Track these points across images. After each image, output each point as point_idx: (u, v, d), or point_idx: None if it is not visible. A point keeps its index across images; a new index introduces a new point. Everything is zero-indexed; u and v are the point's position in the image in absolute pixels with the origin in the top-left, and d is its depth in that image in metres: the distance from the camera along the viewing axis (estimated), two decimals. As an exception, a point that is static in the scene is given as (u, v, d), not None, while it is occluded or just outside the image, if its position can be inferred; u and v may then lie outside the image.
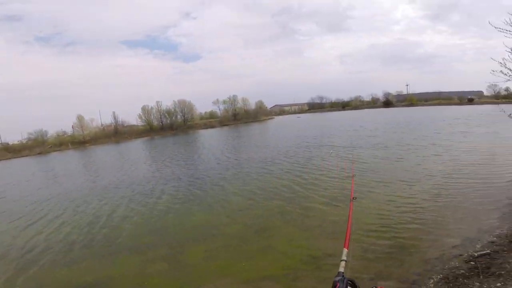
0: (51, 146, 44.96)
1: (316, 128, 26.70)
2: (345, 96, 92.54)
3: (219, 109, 67.50)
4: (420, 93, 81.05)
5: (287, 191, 7.62)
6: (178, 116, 56.78)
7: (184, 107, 57.26)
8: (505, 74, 5.12)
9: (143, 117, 55.24)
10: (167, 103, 58.45)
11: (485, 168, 7.86)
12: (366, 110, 66.13)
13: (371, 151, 11.99)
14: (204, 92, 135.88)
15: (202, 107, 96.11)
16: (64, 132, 50.83)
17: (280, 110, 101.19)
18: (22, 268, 4.93)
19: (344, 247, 1.15)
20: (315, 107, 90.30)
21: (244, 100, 65.23)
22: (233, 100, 63.14)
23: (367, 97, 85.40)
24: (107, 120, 57.72)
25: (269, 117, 72.07)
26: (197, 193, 8.54)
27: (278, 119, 64.33)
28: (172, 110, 56.50)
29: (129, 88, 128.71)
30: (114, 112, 54.18)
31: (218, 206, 7.21)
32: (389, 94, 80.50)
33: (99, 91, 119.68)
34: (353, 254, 4.19)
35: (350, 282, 0.92)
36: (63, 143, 46.26)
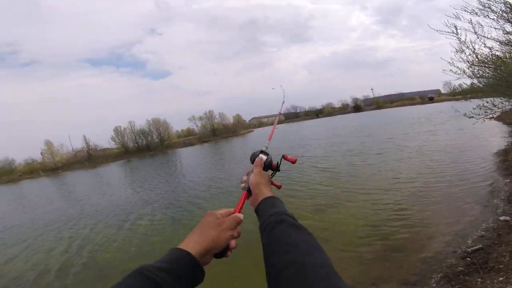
0: (20, 174, 42.32)
1: (292, 138, 27.13)
2: (317, 104, 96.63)
3: (197, 126, 66.91)
4: (385, 95, 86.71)
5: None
6: (154, 136, 55.17)
7: (159, 126, 55.91)
8: (455, 73, 5.49)
9: (116, 140, 53.10)
10: (141, 123, 56.93)
11: (458, 165, 8.23)
12: (338, 116, 69.03)
13: (348, 158, 12.29)
14: (176, 110, 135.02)
15: (178, 124, 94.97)
16: (33, 160, 47.56)
17: (259, 122, 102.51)
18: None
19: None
20: (291, 117, 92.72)
21: (221, 115, 65.34)
22: (209, 115, 62.96)
23: (337, 104, 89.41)
24: (78, 144, 54.78)
25: (249, 130, 72.64)
26: (184, 214, 8.08)
27: (257, 131, 64.93)
28: (147, 130, 54.94)
29: (97, 109, 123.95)
30: (84, 136, 51.65)
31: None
32: (357, 99, 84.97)
33: (64, 114, 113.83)
34: (350, 261, 4.12)
35: (264, 152, 0.98)
36: (34, 170, 43.49)
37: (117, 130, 52.99)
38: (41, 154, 47.12)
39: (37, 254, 6.67)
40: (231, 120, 70.17)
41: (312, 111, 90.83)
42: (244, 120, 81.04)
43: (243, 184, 0.88)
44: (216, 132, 61.08)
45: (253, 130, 74.02)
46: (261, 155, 0.96)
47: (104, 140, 66.39)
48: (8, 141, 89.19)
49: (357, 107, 79.65)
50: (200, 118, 64.13)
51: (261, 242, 0.63)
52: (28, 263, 6.21)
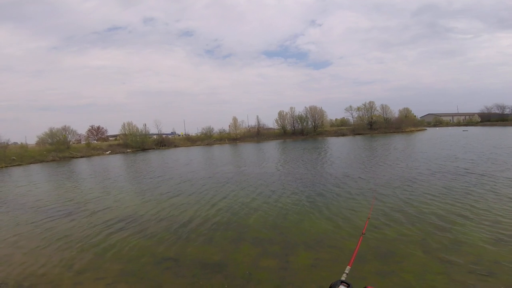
0: (214, 140, 59.08)
1: (478, 147, 19.04)
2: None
3: (352, 117, 63.36)
4: None
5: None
6: (309, 122, 58.55)
7: (315, 113, 58.25)
8: None
9: (279, 122, 61.36)
10: (299, 109, 61.84)
11: None
12: None
13: None
14: (334, 99, 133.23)
15: (333, 113, 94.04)
16: (224, 130, 65.02)
17: (436, 121, 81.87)
18: (164, 238, 6.21)
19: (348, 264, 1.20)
20: (492, 118, 65.76)
21: (383, 107, 57.53)
22: (369, 107, 57.17)
23: None
24: (252, 122, 68.93)
25: (419, 128, 59.62)
26: (317, 200, 8.38)
27: (431, 131, 51.56)
28: (304, 116, 59.08)
29: (268, 94, 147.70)
30: (257, 116, 63.98)
31: (336, 217, 6.80)
32: None
33: (246, 96, 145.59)
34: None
35: (345, 283, 1.04)
36: (222, 138, 59.64)
37: (280, 114, 61.03)
38: (229, 127, 63.69)
39: (204, 207, 8.47)
40: (396, 115, 60.32)
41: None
42: (415, 116, 67.07)
43: None
44: (374, 126, 55.08)
45: (425, 129, 59.89)
46: (341, 286, 1.03)
47: (270, 120, 78.79)
48: (212, 115, 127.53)
49: None
50: (358, 109, 60.08)
51: None
52: (195, 213, 7.93)
